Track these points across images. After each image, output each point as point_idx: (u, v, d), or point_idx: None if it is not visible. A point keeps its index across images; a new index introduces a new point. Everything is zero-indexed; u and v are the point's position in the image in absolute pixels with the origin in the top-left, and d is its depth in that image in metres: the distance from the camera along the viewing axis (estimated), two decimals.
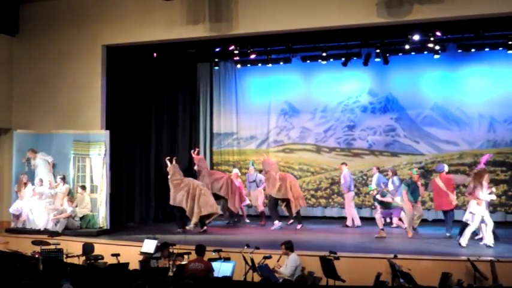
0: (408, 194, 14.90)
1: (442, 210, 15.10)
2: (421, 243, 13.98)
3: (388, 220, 16.13)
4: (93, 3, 16.58)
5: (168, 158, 16.77)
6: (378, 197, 14.82)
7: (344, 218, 17.47)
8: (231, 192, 17.00)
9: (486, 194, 13.16)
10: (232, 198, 16.99)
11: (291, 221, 16.80)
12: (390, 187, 15.89)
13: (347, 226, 16.96)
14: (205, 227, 15.92)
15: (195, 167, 17.32)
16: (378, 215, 14.92)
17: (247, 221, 18.00)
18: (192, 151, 17.95)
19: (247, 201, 18.01)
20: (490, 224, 13.12)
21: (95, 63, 16.38)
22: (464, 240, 13.03)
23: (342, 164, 17.42)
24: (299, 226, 16.43)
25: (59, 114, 16.66)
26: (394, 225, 16.04)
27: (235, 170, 18.15)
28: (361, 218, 17.08)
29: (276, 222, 16.43)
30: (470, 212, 13.21)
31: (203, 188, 16.13)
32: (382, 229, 14.69)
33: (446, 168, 15.17)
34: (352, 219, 16.96)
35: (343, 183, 17.19)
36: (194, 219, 15.85)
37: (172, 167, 16.33)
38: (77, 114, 16.43)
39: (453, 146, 18.03)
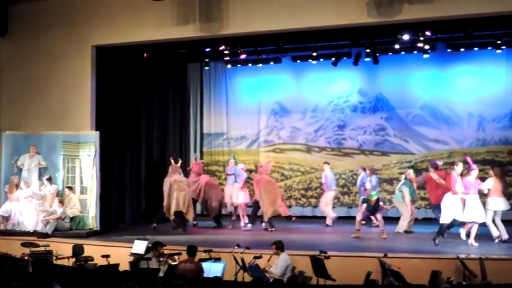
0: (408, 195, 15.02)
1: (436, 204, 15.14)
2: (411, 242, 14.05)
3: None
4: (83, 4, 16.50)
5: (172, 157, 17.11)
6: (381, 203, 14.78)
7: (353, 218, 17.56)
8: (203, 196, 17.05)
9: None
10: (209, 201, 17.02)
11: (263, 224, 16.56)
12: (368, 186, 16.11)
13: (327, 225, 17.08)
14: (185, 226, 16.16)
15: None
16: (359, 217, 14.87)
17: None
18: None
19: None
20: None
21: (84, 64, 16.30)
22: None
23: (325, 163, 17.53)
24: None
25: (49, 115, 16.57)
26: (374, 223, 15.98)
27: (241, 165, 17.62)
28: (352, 218, 17.06)
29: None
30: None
31: (179, 184, 16.14)
32: (359, 229, 14.72)
33: (441, 163, 15.69)
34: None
35: (324, 182, 17.28)
36: (171, 217, 16.07)
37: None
38: (66, 115, 16.34)
39: (443, 145, 18.12)
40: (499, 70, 17.47)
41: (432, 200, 15.47)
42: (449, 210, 13.25)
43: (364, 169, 17.00)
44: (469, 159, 14.06)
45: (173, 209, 15.88)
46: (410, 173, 15.48)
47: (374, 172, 16.68)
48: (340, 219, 17.44)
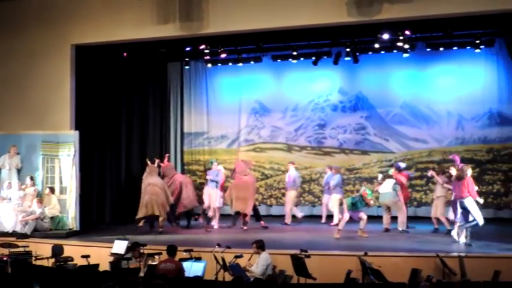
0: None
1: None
2: (391, 240, 14.11)
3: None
4: (63, 2, 16.38)
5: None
6: (372, 202, 14.82)
7: (318, 217, 17.63)
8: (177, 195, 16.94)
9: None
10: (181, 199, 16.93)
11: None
12: (331, 184, 16.40)
13: (286, 224, 17.17)
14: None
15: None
16: (346, 217, 14.87)
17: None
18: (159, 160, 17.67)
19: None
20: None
21: (64, 63, 16.19)
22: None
23: (289, 163, 17.67)
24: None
25: (28, 115, 16.43)
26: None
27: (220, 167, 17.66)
28: (332, 217, 17.10)
29: None
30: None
31: (153, 187, 16.04)
32: (340, 229, 14.75)
33: (404, 165, 16.16)
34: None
35: (288, 181, 17.37)
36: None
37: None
38: (46, 114, 16.22)
39: (422, 143, 18.24)
40: (477, 69, 17.61)
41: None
42: (478, 211, 13.22)
43: (331, 168, 17.13)
44: (456, 158, 14.19)
45: (142, 213, 15.80)
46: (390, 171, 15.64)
47: (338, 171, 16.82)
48: (319, 218, 17.48)
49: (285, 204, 17.66)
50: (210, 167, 17.36)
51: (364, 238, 14.33)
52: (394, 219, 15.53)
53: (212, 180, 16.78)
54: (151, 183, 15.96)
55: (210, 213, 16.57)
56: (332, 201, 16.63)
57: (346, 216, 14.57)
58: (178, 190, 16.63)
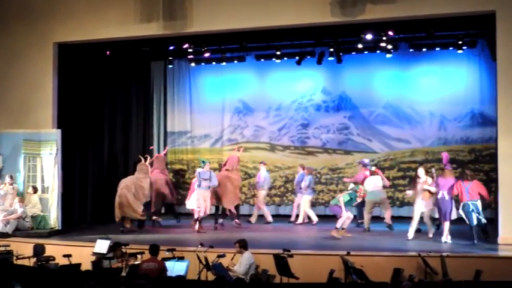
0: None
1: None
2: (374, 239, 14.16)
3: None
4: (45, 0, 16.30)
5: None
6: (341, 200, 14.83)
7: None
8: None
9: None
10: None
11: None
12: (303, 185, 16.68)
13: (268, 222, 17.28)
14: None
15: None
16: (351, 215, 14.76)
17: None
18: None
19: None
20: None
21: (46, 61, 16.11)
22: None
23: (260, 163, 17.73)
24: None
25: (9, 113, 16.33)
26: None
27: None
28: (317, 216, 17.15)
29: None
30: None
31: (127, 184, 16.07)
32: (344, 228, 14.76)
33: (368, 161, 16.34)
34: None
35: (258, 181, 17.45)
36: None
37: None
38: (27, 113, 16.12)
39: (405, 143, 18.31)
40: (460, 70, 17.71)
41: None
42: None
43: (303, 168, 17.22)
44: (445, 156, 14.27)
45: (118, 214, 15.81)
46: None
47: (310, 172, 17.03)
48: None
49: (255, 204, 17.64)
50: (201, 167, 16.24)
51: (347, 238, 14.33)
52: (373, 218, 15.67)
53: (205, 179, 15.86)
54: (123, 182, 16.06)
55: (201, 215, 15.89)
56: (303, 202, 16.76)
57: (350, 214, 14.54)
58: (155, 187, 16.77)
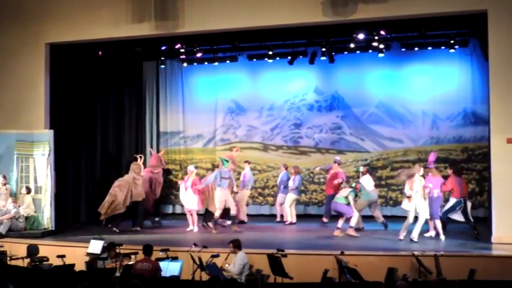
0: None
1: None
2: (367, 239, 14.18)
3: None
4: (37, 0, 16.26)
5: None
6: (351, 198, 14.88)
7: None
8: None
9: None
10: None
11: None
12: (290, 184, 16.82)
13: (244, 222, 17.21)
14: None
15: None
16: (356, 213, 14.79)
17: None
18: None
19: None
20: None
21: (38, 62, 16.08)
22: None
23: (245, 162, 17.67)
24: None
25: (2, 114, 16.27)
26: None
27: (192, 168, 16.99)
28: (308, 216, 17.20)
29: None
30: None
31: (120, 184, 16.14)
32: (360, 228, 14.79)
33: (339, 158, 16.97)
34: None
35: (242, 180, 17.33)
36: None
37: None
38: (20, 113, 16.08)
39: (398, 143, 18.33)
40: (452, 69, 17.75)
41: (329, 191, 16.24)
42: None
43: (286, 167, 17.30)
44: (431, 156, 14.34)
45: (104, 211, 15.89)
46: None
47: (299, 172, 17.10)
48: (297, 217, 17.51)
49: (237, 203, 16.86)
50: (225, 166, 16.03)
51: (343, 237, 14.35)
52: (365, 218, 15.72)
53: (225, 178, 15.77)
54: (117, 181, 16.14)
55: (233, 212, 15.93)
56: (288, 201, 16.86)
57: (356, 212, 14.62)
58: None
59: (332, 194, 15.88)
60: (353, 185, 15.12)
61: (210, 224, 15.85)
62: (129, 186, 15.96)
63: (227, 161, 16.16)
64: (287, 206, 16.90)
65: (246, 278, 10.12)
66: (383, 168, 18.21)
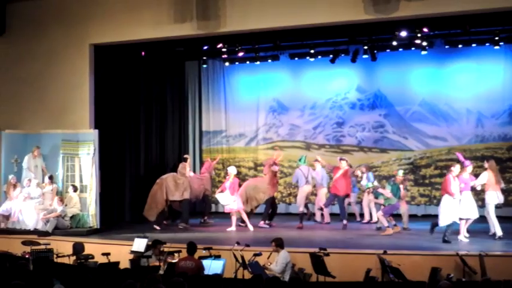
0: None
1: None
2: (411, 238, 14.06)
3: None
4: (81, 2, 16.48)
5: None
6: (381, 190, 14.81)
7: (335, 215, 17.49)
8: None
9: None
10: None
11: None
12: (364, 182, 16.25)
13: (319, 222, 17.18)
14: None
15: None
16: (380, 212, 14.75)
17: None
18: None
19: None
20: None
21: (82, 63, 16.30)
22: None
23: (315, 160, 17.27)
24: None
25: (47, 114, 16.57)
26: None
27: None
28: (349, 215, 17.05)
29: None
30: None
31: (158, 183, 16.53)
32: (388, 226, 14.64)
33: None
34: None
35: (317, 179, 17.01)
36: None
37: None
38: (65, 113, 16.35)
39: (441, 141, 18.14)
40: (497, 66, 17.49)
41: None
42: (447, 213, 13.23)
43: (349, 166, 16.91)
44: (460, 156, 14.10)
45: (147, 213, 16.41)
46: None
47: (369, 169, 16.68)
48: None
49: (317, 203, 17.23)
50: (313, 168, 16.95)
51: (385, 236, 14.26)
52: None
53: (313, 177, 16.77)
54: (159, 179, 16.59)
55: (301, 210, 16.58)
56: (365, 200, 16.74)
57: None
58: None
59: (343, 195, 15.93)
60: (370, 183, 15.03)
61: (261, 223, 16.25)
62: (167, 183, 16.19)
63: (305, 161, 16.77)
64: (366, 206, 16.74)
65: (289, 276, 10.15)
66: (427, 167, 18.03)
